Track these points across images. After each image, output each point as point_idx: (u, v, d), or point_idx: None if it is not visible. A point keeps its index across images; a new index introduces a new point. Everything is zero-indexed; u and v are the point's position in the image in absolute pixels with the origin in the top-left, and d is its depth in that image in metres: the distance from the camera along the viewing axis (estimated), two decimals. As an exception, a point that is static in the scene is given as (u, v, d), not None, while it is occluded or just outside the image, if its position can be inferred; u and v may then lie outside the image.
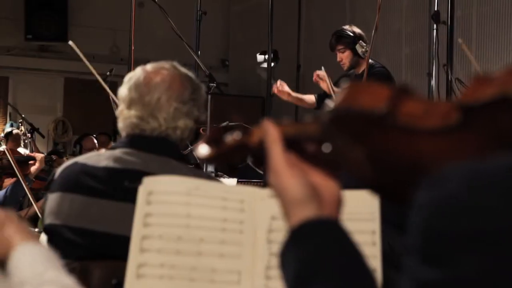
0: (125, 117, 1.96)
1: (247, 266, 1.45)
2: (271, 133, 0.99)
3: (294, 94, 5.16)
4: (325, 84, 4.81)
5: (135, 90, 1.95)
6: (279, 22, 6.21)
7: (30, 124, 7.04)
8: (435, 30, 5.09)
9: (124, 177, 1.86)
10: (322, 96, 5.16)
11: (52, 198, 1.91)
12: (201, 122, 2.02)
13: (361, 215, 1.48)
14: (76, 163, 1.93)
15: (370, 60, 4.94)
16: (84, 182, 1.86)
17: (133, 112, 1.94)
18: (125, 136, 1.97)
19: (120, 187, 1.85)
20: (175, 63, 2.02)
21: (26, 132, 7.10)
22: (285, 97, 5.10)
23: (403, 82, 7.07)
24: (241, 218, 1.49)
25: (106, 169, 1.88)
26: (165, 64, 1.99)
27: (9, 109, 9.56)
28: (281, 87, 5.05)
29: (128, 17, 9.79)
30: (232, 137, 1.10)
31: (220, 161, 1.13)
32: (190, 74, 2.03)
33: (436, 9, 5.04)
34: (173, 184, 1.50)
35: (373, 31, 4.23)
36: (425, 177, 0.72)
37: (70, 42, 3.56)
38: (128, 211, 1.80)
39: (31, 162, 4.32)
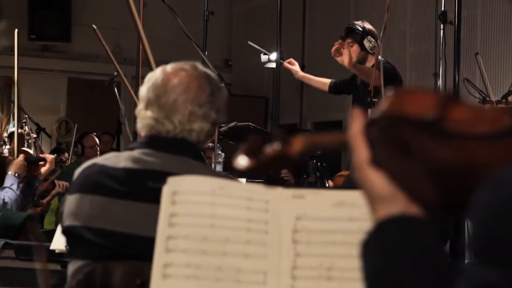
0: (142, 117, 1.95)
1: (272, 267, 1.45)
2: (355, 126, 0.96)
3: (301, 73, 5.18)
4: (346, 56, 4.79)
5: (153, 90, 1.94)
6: (283, 22, 6.21)
7: (37, 124, 7.02)
8: (442, 30, 5.09)
9: (144, 178, 1.85)
10: (337, 85, 5.20)
11: (71, 200, 1.90)
12: (220, 123, 2.01)
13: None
14: (94, 164, 1.92)
15: (380, 57, 4.95)
16: (104, 183, 1.86)
17: (149, 113, 1.93)
18: (143, 136, 1.96)
19: (140, 187, 1.84)
20: (197, 64, 2.01)
21: (30, 132, 7.09)
22: (293, 73, 5.13)
23: (407, 82, 7.06)
24: (266, 218, 1.48)
25: (126, 170, 1.87)
26: (185, 65, 1.97)
27: (13, 108, 9.56)
28: (289, 64, 5.05)
29: (131, 17, 9.76)
30: (271, 148, 1.10)
31: (259, 171, 1.13)
32: (211, 75, 2.01)
33: (443, 9, 5.04)
34: (197, 184, 1.50)
35: (382, 31, 4.23)
36: (480, 182, 0.72)
37: (94, 26, 3.53)
38: (148, 211, 1.80)
39: (41, 163, 4.32)
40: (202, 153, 2.02)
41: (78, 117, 10.20)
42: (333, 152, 8.41)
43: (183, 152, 1.91)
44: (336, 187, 3.96)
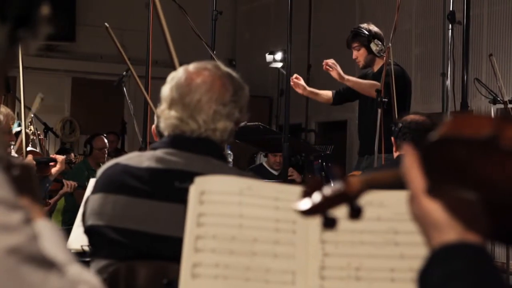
0: (166, 117, 1.95)
1: (301, 266, 1.45)
2: (409, 158, 0.98)
3: (309, 88, 5.11)
4: (335, 72, 4.81)
5: (176, 90, 1.93)
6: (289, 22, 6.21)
7: (44, 124, 7.01)
8: (450, 30, 5.08)
9: (167, 177, 1.85)
10: (340, 93, 5.16)
11: (94, 199, 1.89)
12: (243, 122, 2.01)
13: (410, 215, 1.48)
14: (117, 164, 1.92)
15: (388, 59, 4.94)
16: (128, 182, 1.86)
17: (173, 113, 1.93)
18: (166, 136, 1.96)
19: (164, 187, 1.84)
20: (219, 63, 2.01)
21: (36, 131, 7.08)
22: (300, 91, 5.05)
23: (413, 82, 7.06)
24: (293, 218, 1.48)
25: (149, 170, 1.87)
26: (208, 64, 1.98)
27: (17, 108, 9.56)
28: (297, 80, 5.00)
29: (136, 17, 9.75)
30: (331, 190, 1.11)
31: (320, 213, 1.15)
32: (233, 74, 2.01)
33: (451, 9, 5.03)
34: (225, 183, 1.50)
35: (392, 32, 4.22)
36: None
37: (106, 24, 3.52)
38: (172, 211, 1.80)
39: (51, 164, 4.32)
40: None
41: (82, 116, 10.21)
42: (338, 153, 8.41)
43: (206, 151, 1.91)
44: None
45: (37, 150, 6.32)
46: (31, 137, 6.97)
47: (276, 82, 9.46)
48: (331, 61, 4.86)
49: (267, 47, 9.56)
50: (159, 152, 1.90)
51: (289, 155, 4.45)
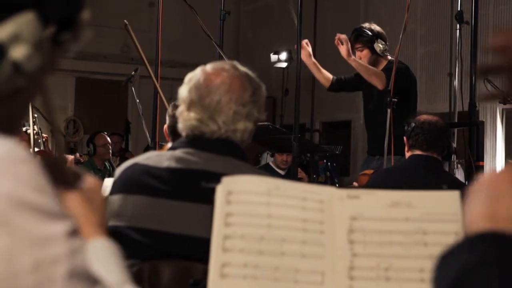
0: (185, 118, 1.94)
1: (330, 267, 1.44)
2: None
3: (313, 59, 5.00)
4: (344, 48, 4.77)
5: (195, 91, 1.93)
6: (293, 20, 6.20)
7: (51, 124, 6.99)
8: (458, 30, 5.08)
9: (188, 177, 1.85)
10: (341, 81, 5.11)
11: (113, 200, 1.89)
12: (261, 121, 2.00)
13: (443, 216, 1.48)
14: (136, 164, 1.91)
15: (389, 57, 4.92)
16: (148, 182, 1.85)
17: (192, 115, 1.92)
18: (184, 136, 1.96)
19: (185, 187, 1.84)
20: (236, 63, 2.01)
21: (40, 131, 7.07)
22: (304, 56, 4.88)
23: (418, 82, 7.06)
24: (321, 218, 1.48)
25: (169, 170, 1.86)
26: (225, 65, 1.97)
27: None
28: (306, 45, 4.91)
29: (139, 17, 9.72)
30: None
31: None
32: (251, 74, 2.01)
33: (459, 9, 5.04)
34: (252, 183, 1.49)
35: (402, 31, 4.21)
36: None
37: (125, 21, 3.50)
38: (194, 211, 1.80)
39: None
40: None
41: (86, 116, 10.21)
42: (342, 153, 8.40)
43: (226, 152, 1.91)
44: (361, 186, 3.95)
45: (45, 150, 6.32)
46: (35, 137, 6.96)
47: (280, 82, 9.46)
48: (343, 36, 4.82)
49: (271, 47, 9.56)
50: (179, 152, 1.90)
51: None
